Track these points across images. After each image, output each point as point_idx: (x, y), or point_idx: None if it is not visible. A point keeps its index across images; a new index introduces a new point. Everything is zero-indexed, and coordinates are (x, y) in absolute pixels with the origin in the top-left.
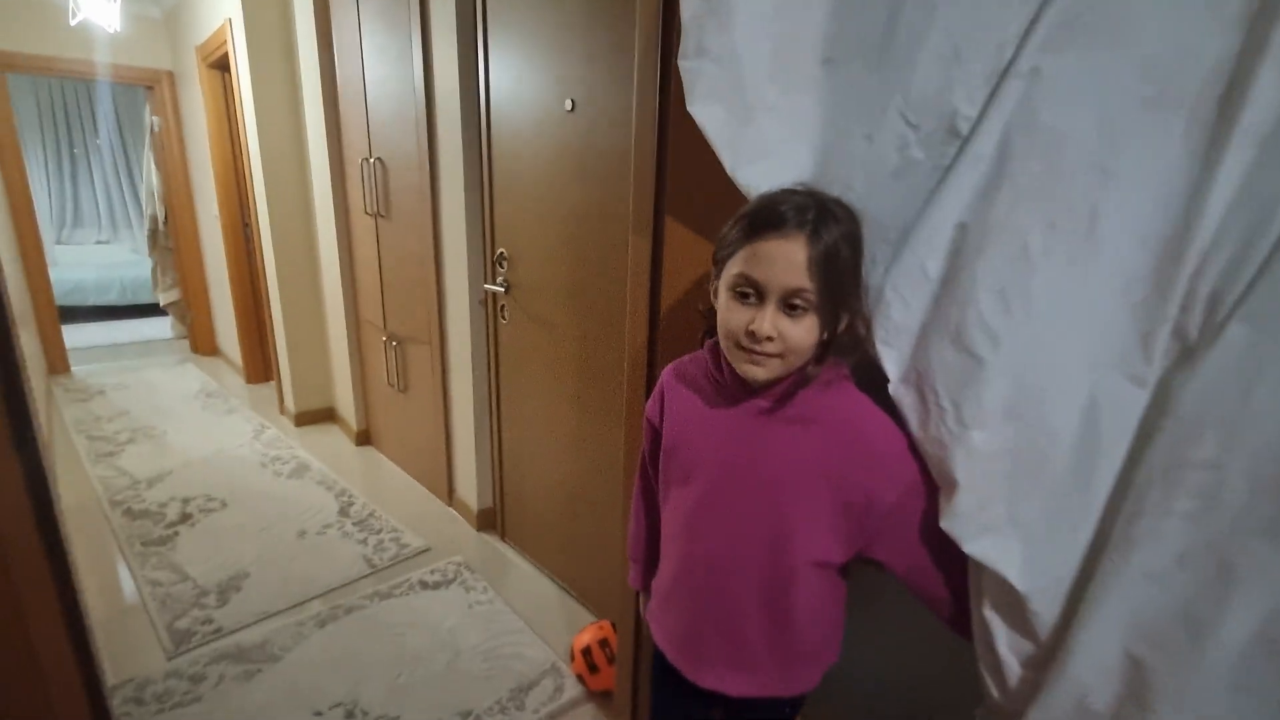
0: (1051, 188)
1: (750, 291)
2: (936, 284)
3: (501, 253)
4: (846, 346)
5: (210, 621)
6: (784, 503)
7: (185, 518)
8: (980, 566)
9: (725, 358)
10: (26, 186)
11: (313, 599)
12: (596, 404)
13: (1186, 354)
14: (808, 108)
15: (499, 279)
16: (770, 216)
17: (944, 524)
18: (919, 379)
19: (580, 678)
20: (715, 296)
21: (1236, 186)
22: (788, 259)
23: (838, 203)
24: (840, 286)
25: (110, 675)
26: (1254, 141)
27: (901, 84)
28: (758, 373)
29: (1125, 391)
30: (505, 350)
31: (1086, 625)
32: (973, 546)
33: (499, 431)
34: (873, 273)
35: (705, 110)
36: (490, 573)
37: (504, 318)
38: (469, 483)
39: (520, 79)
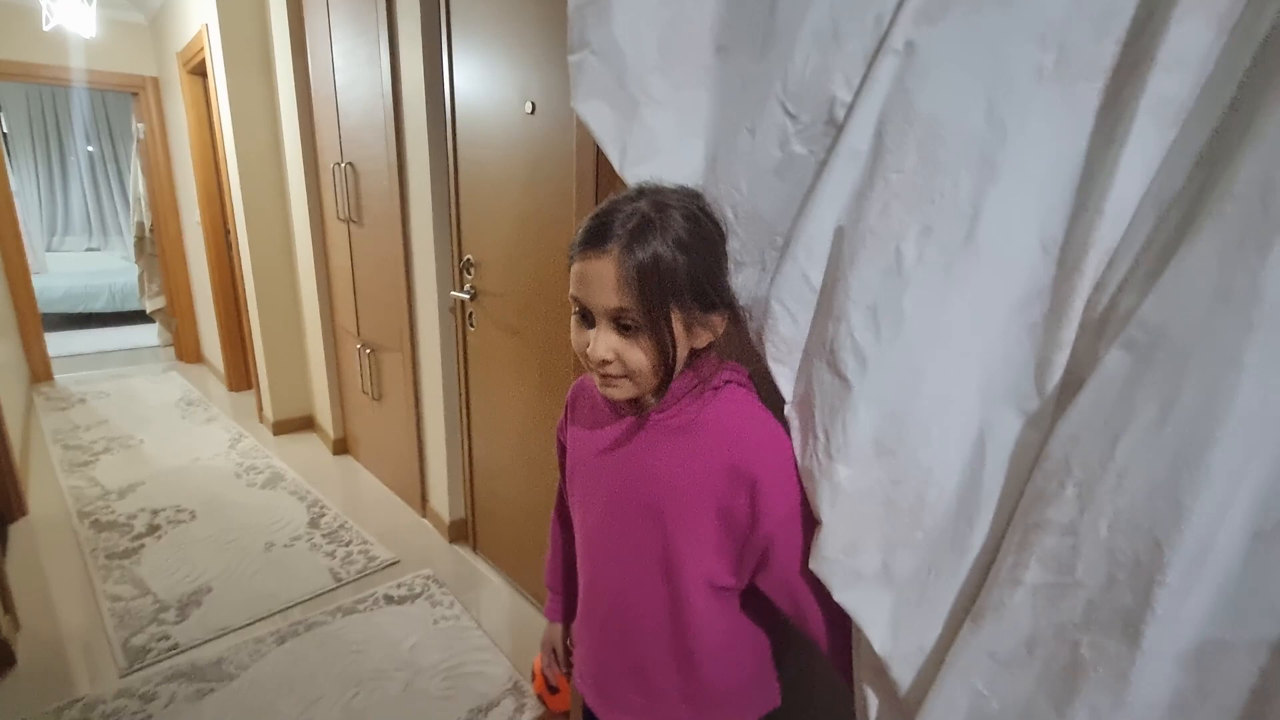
0: (927, 185)
1: (583, 313)
2: (820, 295)
3: (469, 259)
4: (726, 352)
5: (167, 638)
6: (669, 521)
7: (153, 529)
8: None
9: None
10: (9, 194)
11: (274, 614)
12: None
13: (1076, 386)
14: (700, 101)
15: (466, 286)
16: (594, 230)
17: (811, 564)
18: (803, 402)
19: (540, 697)
20: None
21: (1148, 174)
22: (601, 278)
23: (682, 203)
24: (662, 300)
25: (62, 694)
26: (1171, 117)
27: (781, 70)
28: (612, 393)
29: (1016, 429)
30: (474, 358)
31: (931, 704)
32: (841, 595)
33: (469, 441)
34: (762, 282)
35: (589, 107)
36: (459, 586)
37: (472, 325)
38: (441, 493)
39: (484, 81)
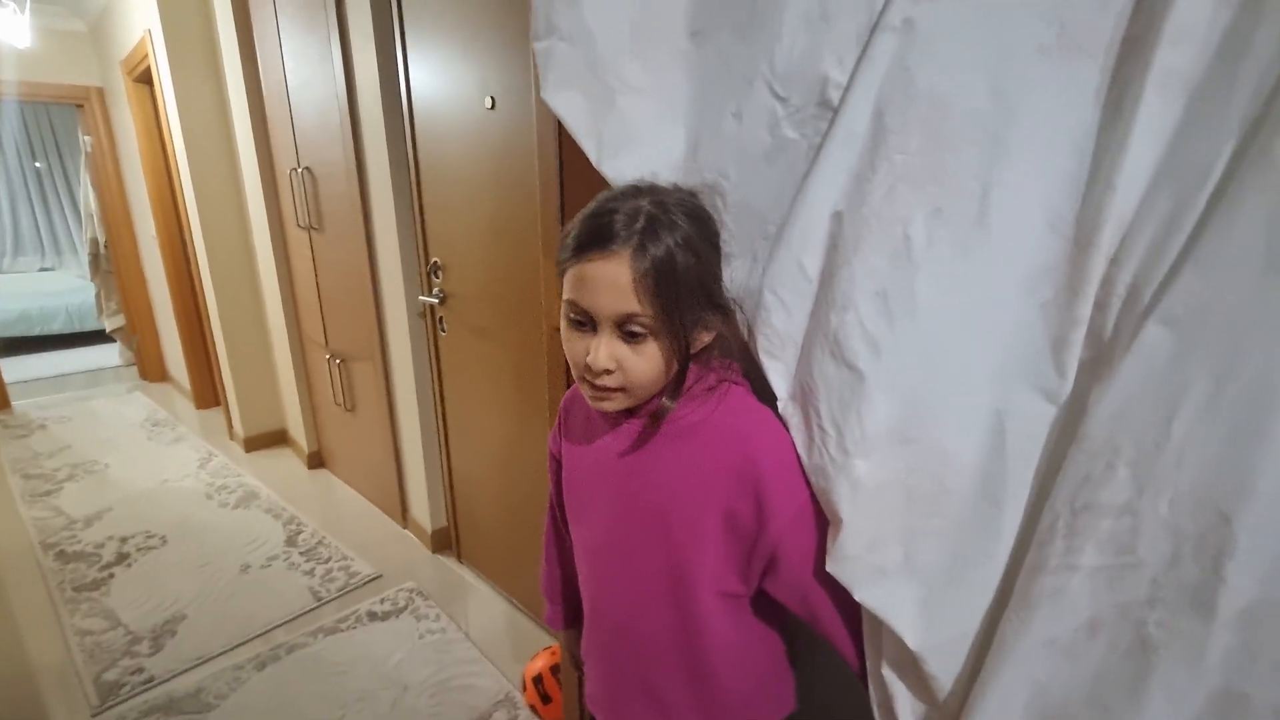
0: (934, 166)
1: (583, 319)
2: (817, 284)
3: (435, 262)
4: (725, 351)
5: (141, 671)
6: (675, 530)
7: (122, 558)
8: (876, 617)
9: None
10: None
11: (253, 639)
12: (538, 416)
13: (1104, 362)
14: (678, 86)
15: (435, 289)
16: (595, 230)
17: (830, 567)
18: (803, 396)
19: (533, 708)
20: None
21: (1160, 149)
22: (612, 282)
23: (683, 201)
24: (678, 302)
25: None
26: (1177, 90)
27: (767, 51)
28: (605, 406)
29: (1036, 409)
30: (447, 363)
31: (984, 699)
32: (863, 593)
33: (447, 448)
34: (753, 273)
35: (560, 97)
36: (444, 597)
37: (443, 329)
38: (422, 503)
39: (440, 76)
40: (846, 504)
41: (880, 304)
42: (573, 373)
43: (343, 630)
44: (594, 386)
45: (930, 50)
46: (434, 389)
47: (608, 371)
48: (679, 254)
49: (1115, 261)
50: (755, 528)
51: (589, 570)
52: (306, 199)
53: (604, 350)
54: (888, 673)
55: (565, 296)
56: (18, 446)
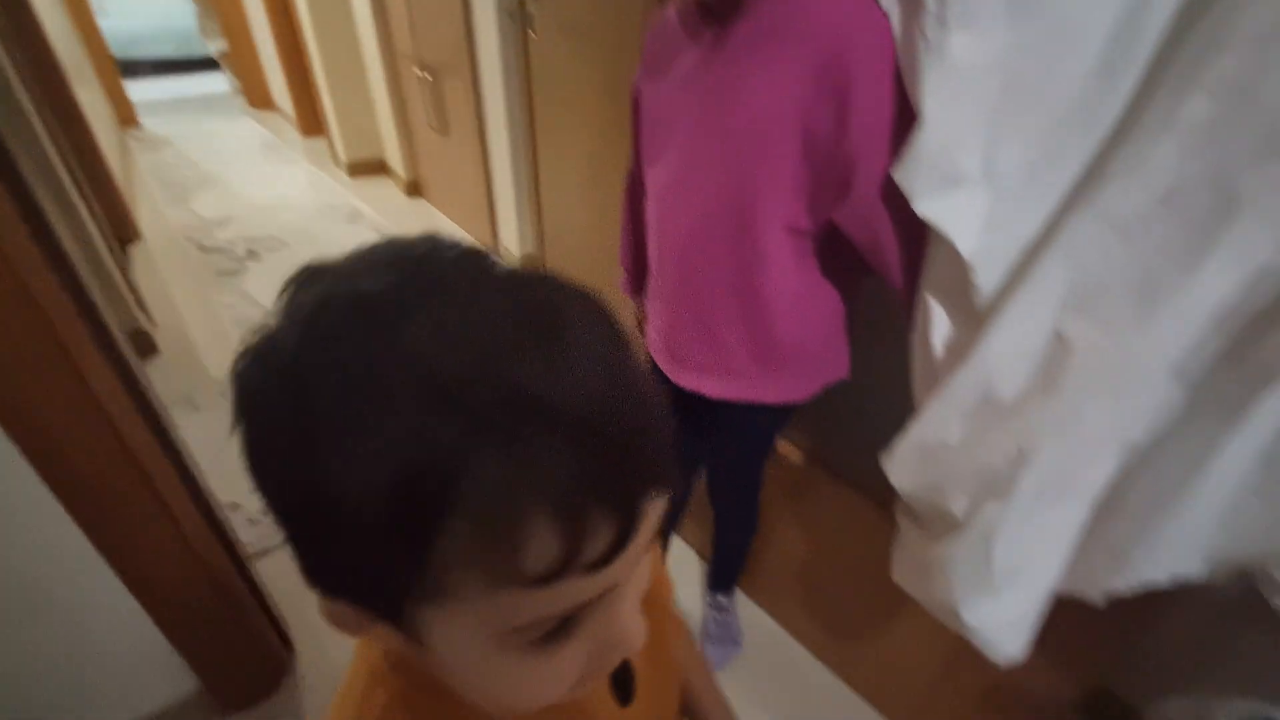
0: None
1: None
2: None
3: None
4: None
5: None
6: (749, 156)
7: (252, 254)
8: (936, 236)
9: None
10: None
11: None
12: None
13: None
14: None
15: None
16: None
17: (898, 175)
18: None
19: None
20: None
21: None
22: None
23: None
24: None
25: (196, 378)
26: None
27: None
28: None
29: None
30: (537, 72)
31: (1018, 294)
32: (925, 205)
33: (536, 168)
34: None
35: None
36: None
37: (534, 32)
38: (511, 228)
39: None
40: (933, 93)
41: None
42: None
43: None
44: None
45: None
46: (523, 103)
47: None
48: None
49: None
50: (834, 138)
51: (659, 212)
52: None
53: None
54: (930, 295)
55: None
56: (152, 158)
